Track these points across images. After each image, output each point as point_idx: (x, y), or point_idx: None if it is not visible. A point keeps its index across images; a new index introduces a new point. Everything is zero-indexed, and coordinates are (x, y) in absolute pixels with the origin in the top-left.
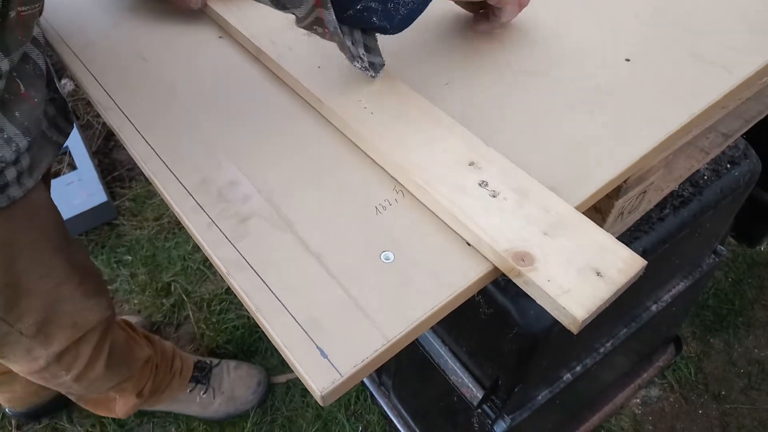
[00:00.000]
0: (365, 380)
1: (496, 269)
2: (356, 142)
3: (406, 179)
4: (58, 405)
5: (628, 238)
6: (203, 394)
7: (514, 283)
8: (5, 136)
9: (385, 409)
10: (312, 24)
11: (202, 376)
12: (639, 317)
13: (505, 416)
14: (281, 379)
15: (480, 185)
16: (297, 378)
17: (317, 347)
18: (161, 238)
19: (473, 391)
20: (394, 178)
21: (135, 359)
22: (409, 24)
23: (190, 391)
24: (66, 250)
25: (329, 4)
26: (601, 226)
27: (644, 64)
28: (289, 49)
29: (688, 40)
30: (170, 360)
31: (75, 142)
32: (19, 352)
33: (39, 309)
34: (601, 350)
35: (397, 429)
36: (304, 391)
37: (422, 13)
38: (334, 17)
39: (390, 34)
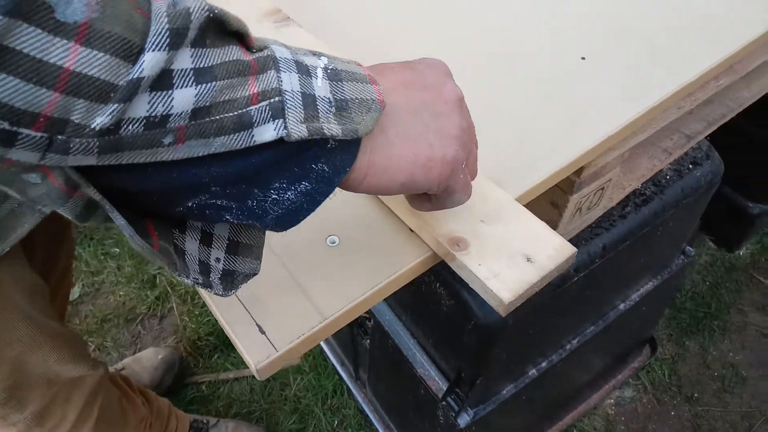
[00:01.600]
0: (343, 375)
1: (435, 255)
2: None
3: None
4: None
5: (588, 234)
6: None
7: None
8: None
9: (361, 403)
10: (98, 222)
11: None
12: (606, 315)
13: (469, 409)
14: None
15: None
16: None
17: (256, 323)
18: None
19: (438, 384)
20: None
21: (128, 422)
22: (295, 224)
23: None
24: (35, 318)
25: (109, 206)
26: (559, 221)
27: (599, 62)
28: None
29: (644, 41)
30: (165, 419)
31: None
32: None
33: (5, 377)
34: (567, 347)
35: (372, 423)
36: (283, 385)
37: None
38: (123, 221)
39: (269, 230)
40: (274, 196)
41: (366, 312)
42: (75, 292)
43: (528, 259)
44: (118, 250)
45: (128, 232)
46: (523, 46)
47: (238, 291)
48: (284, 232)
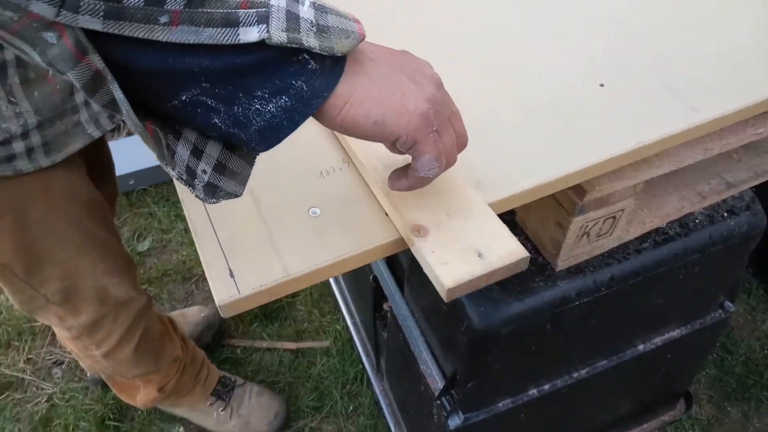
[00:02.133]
0: (366, 364)
1: (401, 240)
2: None
3: (352, 153)
4: None
5: (599, 262)
6: (221, 410)
7: None
8: (17, 110)
9: (378, 395)
10: (112, 105)
11: (224, 392)
12: (622, 353)
13: (460, 413)
14: (291, 345)
15: None
16: (307, 348)
17: (229, 268)
18: None
19: (437, 383)
20: (345, 150)
21: (165, 355)
22: (276, 142)
23: (209, 404)
24: (86, 227)
25: (110, 76)
26: (562, 241)
27: (617, 90)
28: None
29: (667, 73)
30: (198, 367)
31: None
32: (52, 318)
33: (59, 278)
34: (575, 375)
35: (384, 416)
36: (310, 363)
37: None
38: (122, 95)
39: (253, 151)
40: (257, 106)
41: (388, 305)
42: (145, 245)
43: (479, 255)
44: None
45: (125, 107)
46: (544, 66)
47: (222, 241)
48: (273, 196)
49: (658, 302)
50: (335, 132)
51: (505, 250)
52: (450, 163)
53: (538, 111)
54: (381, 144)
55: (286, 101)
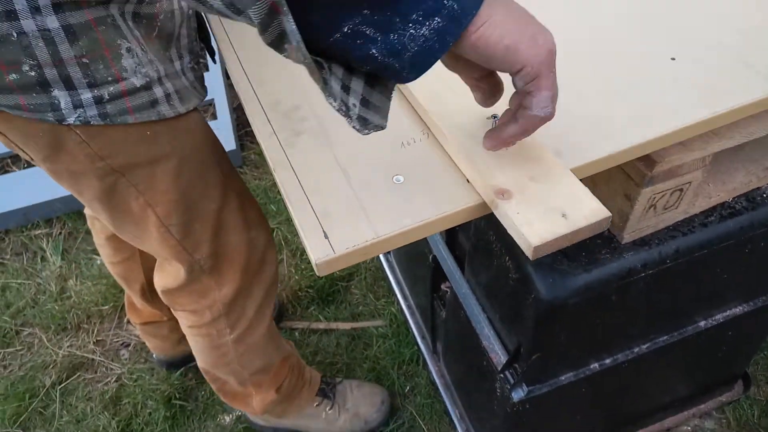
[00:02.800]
0: (422, 346)
1: (483, 205)
2: (402, 90)
3: (432, 123)
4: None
5: (664, 235)
6: (329, 409)
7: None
8: (149, 57)
9: (434, 375)
10: (279, 41)
11: (329, 389)
12: (683, 329)
13: (524, 385)
14: (347, 325)
15: None
16: (361, 329)
17: (323, 230)
18: (275, 191)
19: (500, 357)
20: (424, 122)
21: (281, 347)
22: (426, 68)
23: (316, 405)
24: (225, 173)
25: (285, 7)
26: (630, 213)
27: (689, 64)
28: None
29: (742, 48)
30: (303, 367)
31: (220, 97)
32: (195, 294)
33: (210, 238)
34: (636, 350)
35: (441, 396)
36: (366, 345)
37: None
38: (294, 27)
39: (404, 81)
40: (411, 31)
41: (447, 285)
42: None
43: (563, 215)
44: None
45: (296, 38)
46: (616, 40)
47: (315, 206)
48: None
49: (722, 277)
50: (415, 105)
51: (589, 209)
52: (552, 114)
53: (611, 83)
54: (462, 113)
55: (439, 22)
